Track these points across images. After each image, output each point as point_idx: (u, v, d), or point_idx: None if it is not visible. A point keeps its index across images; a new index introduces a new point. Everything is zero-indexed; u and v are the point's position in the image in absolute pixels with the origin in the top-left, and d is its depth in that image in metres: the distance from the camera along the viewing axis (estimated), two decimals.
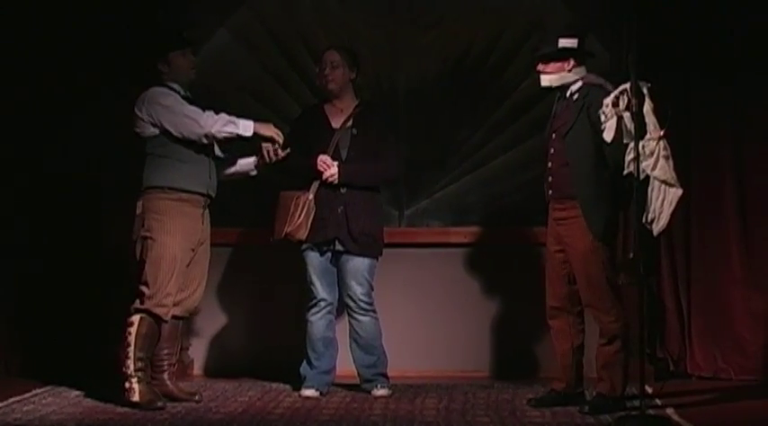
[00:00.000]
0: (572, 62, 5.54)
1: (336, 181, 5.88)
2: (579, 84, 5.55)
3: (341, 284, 5.99)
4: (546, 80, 5.59)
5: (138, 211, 5.67)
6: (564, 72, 5.55)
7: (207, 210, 5.79)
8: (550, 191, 5.59)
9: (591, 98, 5.46)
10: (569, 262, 5.54)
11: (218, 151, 5.88)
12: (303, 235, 5.88)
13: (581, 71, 5.57)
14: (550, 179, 5.59)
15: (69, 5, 6.58)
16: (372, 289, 5.99)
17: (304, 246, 5.94)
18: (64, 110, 6.63)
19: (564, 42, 5.51)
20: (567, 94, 5.58)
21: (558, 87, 5.60)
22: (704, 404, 5.73)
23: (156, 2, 6.64)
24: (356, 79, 6.08)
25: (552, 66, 5.55)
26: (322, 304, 5.97)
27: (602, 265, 5.44)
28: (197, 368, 6.84)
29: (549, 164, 5.60)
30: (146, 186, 5.67)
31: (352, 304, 5.97)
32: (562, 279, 5.59)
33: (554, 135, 5.59)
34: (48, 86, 6.60)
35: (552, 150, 5.59)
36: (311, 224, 5.87)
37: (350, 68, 6.02)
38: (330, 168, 5.87)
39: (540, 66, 5.59)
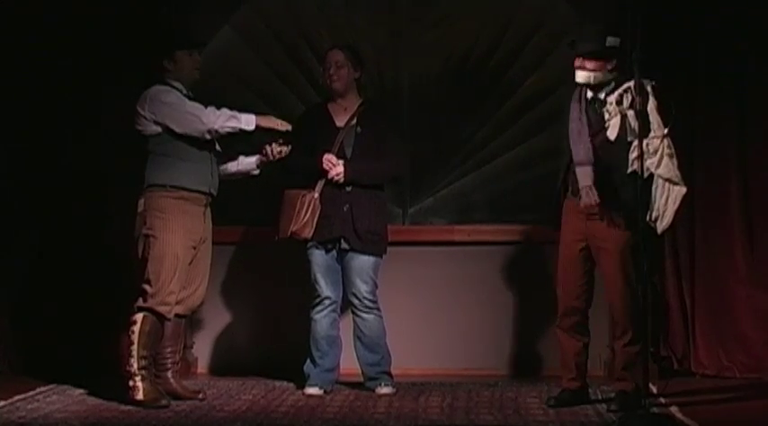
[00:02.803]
0: (614, 62, 5.42)
1: (342, 180, 5.88)
2: (612, 85, 5.44)
3: (345, 282, 5.99)
4: (584, 77, 5.42)
5: (140, 209, 5.68)
6: (605, 71, 5.42)
7: (209, 208, 5.79)
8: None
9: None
10: (597, 258, 5.49)
11: (216, 145, 5.86)
12: (309, 233, 5.88)
13: (616, 73, 5.45)
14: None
15: (74, 4, 6.58)
16: (377, 287, 5.99)
17: (309, 244, 5.94)
18: (67, 109, 6.63)
19: (611, 41, 5.39)
20: (602, 97, 5.45)
21: (592, 87, 5.47)
22: (708, 403, 5.72)
23: (159, 1, 6.64)
24: (360, 78, 6.07)
25: (594, 63, 5.41)
26: (326, 302, 5.98)
27: (629, 261, 5.38)
28: (201, 367, 6.84)
29: (596, 157, 5.42)
30: (148, 184, 5.67)
31: (356, 302, 5.97)
32: (583, 276, 5.55)
33: (599, 134, 5.45)
34: (51, 85, 6.61)
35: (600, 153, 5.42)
36: (316, 222, 5.87)
37: (354, 67, 6.02)
38: (336, 167, 5.87)
39: (578, 62, 5.45)
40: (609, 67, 5.44)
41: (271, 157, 5.85)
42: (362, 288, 5.95)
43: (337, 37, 6.69)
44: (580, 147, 5.46)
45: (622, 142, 5.35)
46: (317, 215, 5.88)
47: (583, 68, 5.44)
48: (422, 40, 6.90)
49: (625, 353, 5.48)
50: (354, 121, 6.00)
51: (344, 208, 5.91)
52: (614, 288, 5.48)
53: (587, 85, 5.47)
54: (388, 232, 6.07)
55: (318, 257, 5.97)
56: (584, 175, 5.43)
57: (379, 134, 6.00)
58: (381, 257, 6.01)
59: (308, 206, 5.88)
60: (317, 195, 5.90)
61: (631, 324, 5.42)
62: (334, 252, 5.97)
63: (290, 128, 5.75)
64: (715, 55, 6.47)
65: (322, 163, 5.88)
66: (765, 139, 6.45)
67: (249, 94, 6.84)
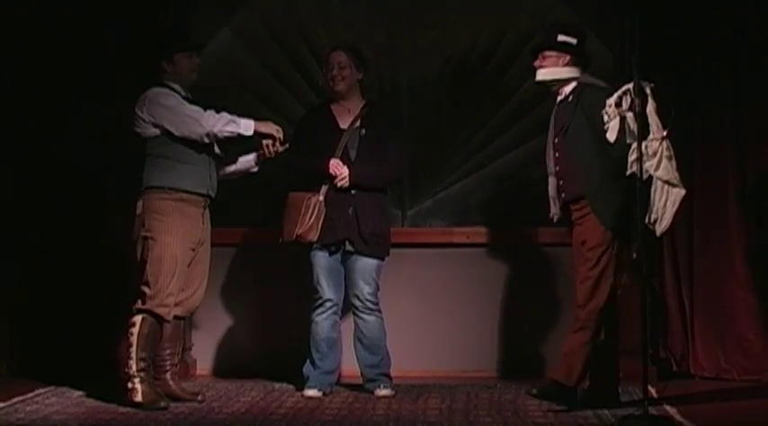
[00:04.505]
0: (567, 58, 5.56)
1: (347, 185, 5.88)
2: (574, 84, 5.58)
3: (348, 283, 5.99)
4: (540, 74, 5.61)
5: (139, 211, 5.67)
6: (558, 67, 5.58)
7: (207, 210, 5.79)
8: (563, 194, 5.59)
9: (585, 95, 5.50)
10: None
11: (216, 149, 5.86)
12: (314, 236, 5.88)
13: (575, 71, 5.58)
14: (561, 182, 5.59)
15: (71, 4, 6.58)
16: (379, 289, 5.99)
17: (313, 246, 5.93)
18: (65, 110, 6.63)
19: (563, 38, 5.54)
20: (563, 96, 5.60)
21: (552, 84, 5.61)
22: (707, 405, 5.72)
23: (158, 2, 6.64)
24: (363, 79, 6.07)
25: (548, 60, 5.58)
26: (328, 304, 5.97)
27: (607, 258, 5.42)
28: (200, 368, 6.84)
29: (557, 168, 5.61)
30: (146, 186, 5.67)
31: (358, 303, 5.97)
32: None
33: (556, 139, 5.60)
34: (49, 86, 6.60)
35: (557, 153, 5.59)
36: (321, 225, 5.87)
37: (357, 69, 6.01)
38: (342, 172, 5.86)
39: (537, 62, 5.62)
40: (561, 63, 5.57)
41: (268, 154, 5.84)
42: (365, 289, 5.94)
43: (336, 39, 6.69)
44: (548, 158, 5.68)
45: (581, 137, 5.45)
46: (321, 218, 5.88)
47: (540, 67, 5.62)
48: (421, 42, 6.90)
49: (569, 340, 5.53)
50: (358, 123, 6.00)
51: (349, 211, 5.91)
52: (579, 283, 5.52)
53: (544, 84, 5.63)
54: (390, 234, 6.08)
55: (322, 259, 5.96)
56: (550, 186, 5.69)
57: (382, 136, 5.99)
58: (384, 259, 6.01)
59: (313, 209, 5.88)
60: (321, 198, 5.90)
61: (587, 313, 5.45)
62: (337, 254, 5.96)
63: (282, 136, 5.75)
64: (713, 57, 6.47)
65: (326, 166, 5.87)
66: (763, 141, 6.45)
67: (248, 96, 6.85)
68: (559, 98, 5.65)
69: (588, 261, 5.49)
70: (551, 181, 5.68)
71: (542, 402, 5.40)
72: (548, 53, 5.59)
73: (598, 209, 5.45)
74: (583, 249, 5.53)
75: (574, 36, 5.57)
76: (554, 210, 5.70)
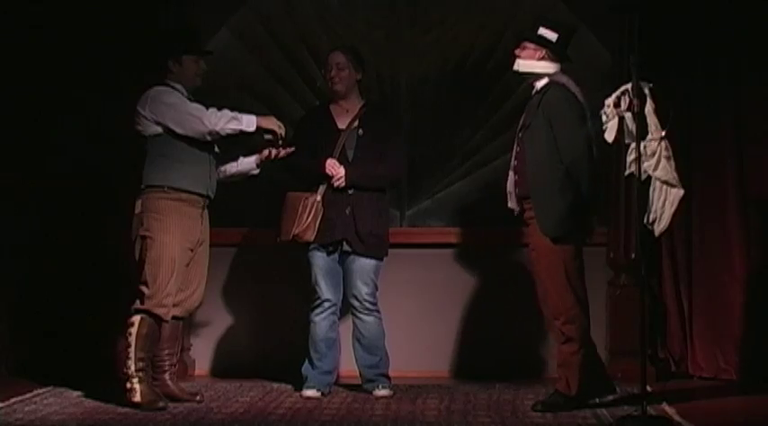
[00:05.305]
0: (543, 53, 5.53)
1: (343, 185, 5.88)
2: (545, 81, 5.55)
3: (346, 284, 5.99)
4: (516, 64, 5.59)
5: (137, 210, 5.66)
6: (533, 60, 5.55)
7: (206, 211, 5.78)
8: (518, 189, 5.58)
9: (548, 95, 5.48)
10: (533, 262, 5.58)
11: (215, 148, 5.85)
12: (311, 236, 5.88)
13: (551, 67, 5.54)
14: (517, 177, 5.59)
15: (70, 5, 6.59)
16: (377, 290, 5.99)
17: (310, 247, 5.94)
18: (64, 109, 6.63)
19: (543, 32, 5.51)
20: (534, 91, 5.60)
21: (526, 76, 5.60)
22: (705, 405, 5.72)
23: (157, 2, 6.64)
24: (362, 80, 6.07)
25: (526, 51, 5.56)
26: (326, 304, 5.97)
27: (559, 265, 5.42)
28: (199, 369, 6.84)
29: (515, 162, 5.61)
30: (145, 185, 5.66)
31: (356, 304, 5.97)
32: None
33: (520, 133, 5.61)
34: (48, 85, 6.61)
35: (518, 148, 5.60)
36: (319, 225, 5.87)
37: (355, 69, 6.02)
38: (338, 172, 5.86)
39: (517, 51, 5.60)
40: (537, 57, 5.53)
41: (272, 157, 5.85)
42: (363, 290, 5.95)
43: (335, 39, 6.70)
44: (512, 152, 5.69)
45: (535, 136, 5.45)
46: (319, 218, 5.88)
47: (518, 57, 5.59)
48: (420, 43, 6.90)
49: (560, 352, 5.53)
50: (356, 124, 6.00)
51: (347, 211, 5.91)
52: (540, 289, 5.53)
53: (518, 74, 5.61)
54: (389, 234, 6.07)
55: (320, 259, 5.96)
56: (508, 180, 5.69)
57: (380, 136, 6.00)
58: (382, 259, 6.01)
59: (311, 209, 5.88)
60: (319, 198, 5.90)
61: (565, 326, 5.45)
62: (335, 254, 5.97)
63: (283, 133, 5.75)
64: (712, 57, 6.47)
65: (324, 166, 5.87)
66: (762, 141, 6.45)
67: (246, 96, 6.84)
68: (533, 92, 5.63)
69: (537, 265, 5.50)
70: (510, 175, 5.67)
71: (546, 414, 5.38)
72: (527, 44, 5.57)
73: (539, 214, 5.44)
74: (532, 254, 5.54)
75: (556, 32, 5.52)
76: (511, 204, 5.68)
